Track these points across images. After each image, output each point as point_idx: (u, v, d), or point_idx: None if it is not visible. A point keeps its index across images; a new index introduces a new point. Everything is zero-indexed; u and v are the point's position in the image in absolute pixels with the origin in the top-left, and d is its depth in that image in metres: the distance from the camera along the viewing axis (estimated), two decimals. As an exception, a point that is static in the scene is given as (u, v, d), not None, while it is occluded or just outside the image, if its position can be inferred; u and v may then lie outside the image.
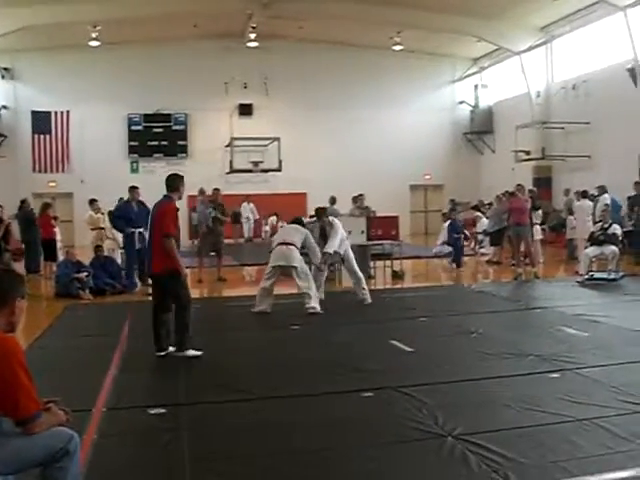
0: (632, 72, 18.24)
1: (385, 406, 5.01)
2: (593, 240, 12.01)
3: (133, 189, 12.28)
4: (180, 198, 7.11)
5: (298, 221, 9.99)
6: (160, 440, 4.36)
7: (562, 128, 21.64)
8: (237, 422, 4.74)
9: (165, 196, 6.96)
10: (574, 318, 8.30)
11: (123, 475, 3.92)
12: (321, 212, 10.19)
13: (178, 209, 7.00)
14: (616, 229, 11.89)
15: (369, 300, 9.81)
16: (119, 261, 13.15)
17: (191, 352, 6.66)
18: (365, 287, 9.98)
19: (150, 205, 7.47)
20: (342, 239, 9.75)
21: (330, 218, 9.98)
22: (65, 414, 3.12)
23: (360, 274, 9.97)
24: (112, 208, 13.60)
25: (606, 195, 15.23)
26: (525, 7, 20.56)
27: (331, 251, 9.53)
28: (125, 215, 12.04)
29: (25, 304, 3.16)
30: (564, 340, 7.14)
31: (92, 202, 14.95)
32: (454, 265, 15.09)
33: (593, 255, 11.87)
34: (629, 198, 15.41)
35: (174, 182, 7.01)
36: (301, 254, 9.44)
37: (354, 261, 9.98)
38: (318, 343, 7.41)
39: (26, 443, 2.89)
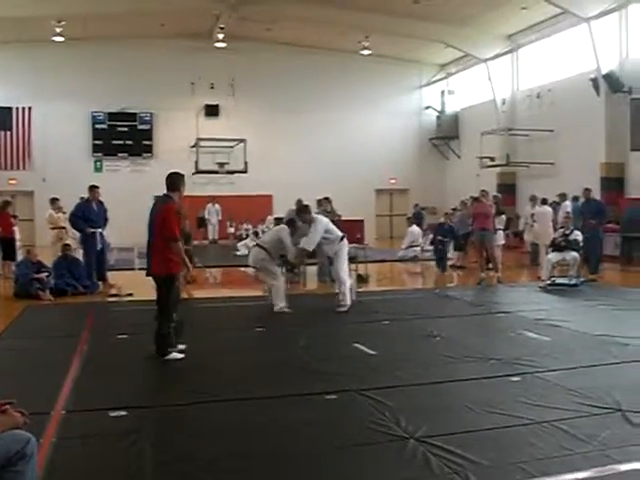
0: (595, 82, 18.65)
1: (348, 409, 5.02)
2: (555, 246, 12.22)
3: (93, 188, 12.07)
4: (180, 198, 6.92)
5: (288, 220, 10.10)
6: (121, 443, 4.30)
7: (526, 135, 22.04)
8: (200, 425, 4.70)
9: (165, 195, 6.81)
10: (535, 323, 8.43)
11: (82, 479, 3.85)
12: (302, 210, 9.91)
13: (179, 209, 6.90)
14: (577, 235, 12.11)
15: (343, 308, 9.43)
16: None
17: (174, 355, 6.61)
18: (345, 293, 9.54)
19: (107, 205, 7.24)
20: (333, 240, 9.56)
21: (314, 216, 9.73)
22: (22, 416, 3.05)
23: (343, 279, 9.58)
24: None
25: (567, 202, 15.53)
26: (493, 15, 20.90)
27: (307, 247, 9.35)
28: (85, 215, 11.82)
29: None
30: (525, 344, 7.24)
31: (53, 201, 14.73)
32: (440, 269, 15.10)
33: (555, 261, 12.07)
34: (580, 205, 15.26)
35: (176, 181, 6.84)
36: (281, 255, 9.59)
37: (342, 265, 9.66)
38: (282, 345, 7.39)
39: (-19, 446, 2.81)
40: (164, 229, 6.53)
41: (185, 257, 6.74)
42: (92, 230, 11.72)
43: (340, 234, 9.70)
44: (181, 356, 6.62)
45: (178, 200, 6.85)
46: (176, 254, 6.58)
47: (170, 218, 6.54)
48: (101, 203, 12.07)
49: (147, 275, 6.86)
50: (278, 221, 17.39)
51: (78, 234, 12.51)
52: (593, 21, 18.46)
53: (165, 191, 6.80)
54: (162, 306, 6.67)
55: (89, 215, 11.78)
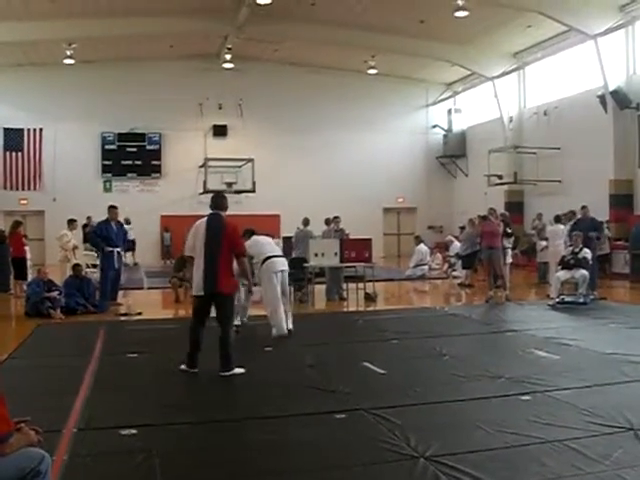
0: (602, 99, 18.70)
1: (358, 428, 5.01)
2: (564, 264, 12.20)
3: (112, 209, 12.23)
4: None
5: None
6: (132, 461, 4.31)
7: (534, 153, 22.08)
8: (209, 444, 4.71)
9: (218, 214, 6.99)
10: (545, 341, 8.40)
11: (93, 497, 3.86)
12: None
13: None
14: (586, 253, 12.08)
15: (274, 332, 8.83)
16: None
17: (238, 370, 6.70)
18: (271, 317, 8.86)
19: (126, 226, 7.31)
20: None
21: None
22: (36, 434, 3.08)
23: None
24: (88, 227, 13.53)
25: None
26: (498, 33, 21.03)
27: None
28: (104, 234, 11.97)
29: None
30: (535, 363, 7.22)
31: (71, 222, 14.70)
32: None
33: (564, 279, 12.04)
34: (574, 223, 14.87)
35: (224, 202, 7.15)
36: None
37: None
38: (291, 365, 7.39)
39: (-3, 464, 2.85)
40: (236, 246, 6.75)
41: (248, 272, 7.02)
42: (110, 249, 11.83)
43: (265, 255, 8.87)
44: (242, 371, 6.73)
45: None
46: (244, 270, 6.92)
47: (239, 235, 6.88)
48: (120, 224, 12.25)
49: (213, 294, 6.75)
50: (286, 240, 17.48)
51: (91, 253, 12.64)
52: (600, 38, 18.53)
53: (214, 210, 7.10)
54: (228, 324, 6.80)
55: (108, 234, 11.91)
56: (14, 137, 24.08)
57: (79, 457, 4.37)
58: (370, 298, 13.20)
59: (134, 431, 4.88)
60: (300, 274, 13.47)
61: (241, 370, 6.72)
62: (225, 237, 6.68)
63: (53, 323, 10.52)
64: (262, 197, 24.33)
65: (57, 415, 5.20)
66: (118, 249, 11.95)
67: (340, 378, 6.54)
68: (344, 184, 26.07)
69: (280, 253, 9.17)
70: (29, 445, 3.00)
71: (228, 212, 22.40)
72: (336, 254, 12.85)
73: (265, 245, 9.03)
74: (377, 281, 13.98)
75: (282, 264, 8.97)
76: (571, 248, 12.34)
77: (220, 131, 26.19)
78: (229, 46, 22.60)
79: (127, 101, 24.38)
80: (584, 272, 11.88)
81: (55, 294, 11.22)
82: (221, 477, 4.10)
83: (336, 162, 26.46)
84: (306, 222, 14.40)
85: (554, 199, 20.08)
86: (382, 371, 6.86)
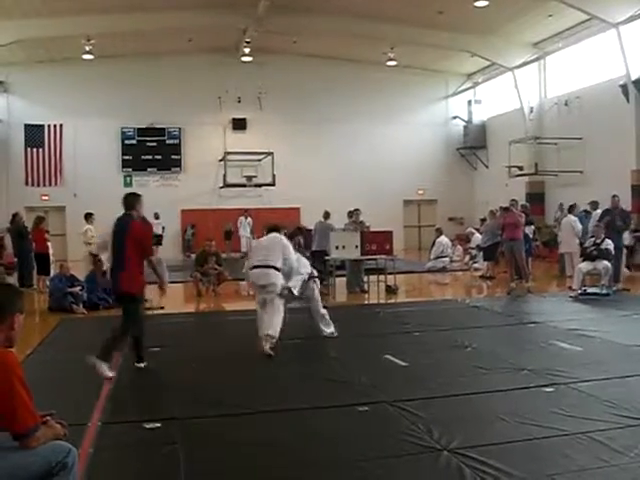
0: (624, 88, 18.42)
1: (380, 420, 5.02)
2: (586, 255, 12.07)
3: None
4: (138, 217, 6.94)
5: (276, 229, 8.17)
6: (156, 454, 4.36)
7: (555, 144, 21.84)
8: (232, 436, 4.74)
9: (128, 214, 6.78)
10: (568, 333, 8.34)
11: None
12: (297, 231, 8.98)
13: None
14: (609, 244, 11.94)
15: (328, 332, 8.39)
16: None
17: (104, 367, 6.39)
18: (329, 323, 8.45)
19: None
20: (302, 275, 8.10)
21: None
22: (62, 427, 3.13)
23: (323, 311, 8.45)
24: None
25: (599, 210, 15.29)
26: (518, 23, 20.78)
27: (293, 289, 7.87)
28: None
29: (23, 318, 3.17)
30: (558, 355, 7.17)
31: (89, 216, 14.79)
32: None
33: (586, 270, 11.92)
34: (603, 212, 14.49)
35: (134, 202, 6.87)
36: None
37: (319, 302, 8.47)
38: (313, 357, 7.41)
39: (24, 457, 2.89)
40: (141, 247, 6.59)
41: (160, 272, 6.81)
42: None
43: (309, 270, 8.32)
44: (110, 375, 6.35)
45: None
46: (155, 269, 6.74)
47: (149, 238, 6.73)
48: (144, 219, 12.28)
49: (117, 295, 6.86)
50: (307, 233, 17.49)
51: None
52: (621, 26, 18.22)
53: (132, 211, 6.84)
54: (130, 323, 6.63)
55: None
56: (35, 133, 24.28)
57: (104, 450, 4.43)
58: (391, 290, 13.19)
59: (158, 424, 4.93)
60: (321, 267, 13.51)
61: (108, 372, 6.36)
62: (129, 238, 6.55)
63: (76, 318, 10.64)
64: (282, 190, 24.35)
65: (82, 409, 5.27)
66: None
67: (362, 371, 6.55)
68: (364, 176, 26.00)
69: (270, 262, 7.66)
70: (55, 438, 3.04)
71: (252, 206, 22.38)
72: (357, 247, 12.85)
73: (259, 250, 7.97)
74: (398, 273, 13.95)
75: (263, 277, 7.67)
76: (593, 239, 12.21)
77: (239, 124, 26.21)
78: (248, 39, 22.58)
79: (146, 96, 24.48)
80: (607, 263, 11.76)
81: (77, 289, 11.33)
82: (245, 469, 4.13)
83: (356, 154, 26.36)
84: (326, 215, 14.40)
85: (575, 190, 19.88)
86: (404, 363, 6.86)
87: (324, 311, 8.41)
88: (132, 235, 6.56)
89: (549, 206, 22.36)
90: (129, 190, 23.56)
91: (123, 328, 6.63)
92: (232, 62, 24.63)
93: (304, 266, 8.20)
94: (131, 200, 6.84)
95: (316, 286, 8.43)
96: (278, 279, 7.62)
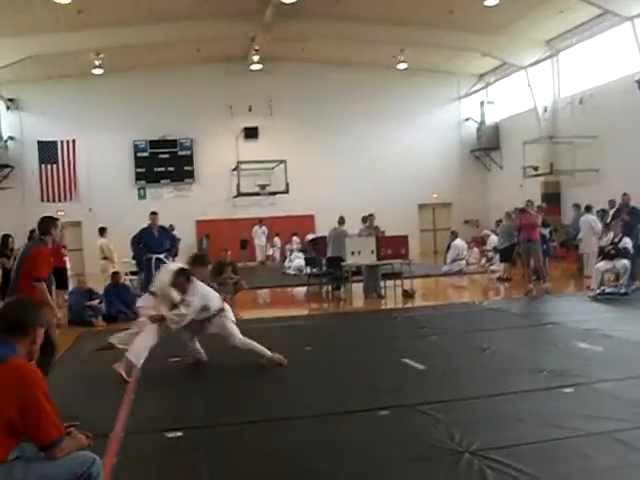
0: (640, 84, 18.21)
1: (401, 424, 5.03)
2: (604, 254, 11.98)
3: (152, 215, 12.43)
4: (54, 242, 6.72)
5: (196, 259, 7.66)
6: (179, 463, 4.40)
7: (570, 143, 21.69)
8: (254, 444, 4.76)
9: (41, 239, 6.55)
10: (587, 333, 8.28)
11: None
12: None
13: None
14: (627, 243, 11.85)
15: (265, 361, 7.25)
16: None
17: None
18: (265, 354, 7.25)
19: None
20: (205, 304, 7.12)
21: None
22: (87, 438, 3.17)
23: (247, 342, 7.25)
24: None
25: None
26: (530, 20, 20.58)
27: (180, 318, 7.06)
28: (144, 241, 12.18)
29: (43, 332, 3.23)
30: (577, 355, 7.14)
31: (103, 230, 15.00)
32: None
33: (604, 269, 11.83)
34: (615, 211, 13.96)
35: (46, 226, 6.55)
36: None
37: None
38: (331, 364, 7.42)
39: (49, 468, 2.94)
40: (30, 271, 6.19)
41: (51, 300, 6.31)
42: (149, 256, 12.02)
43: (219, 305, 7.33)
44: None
45: (53, 243, 6.63)
46: (40, 295, 6.08)
47: (41, 260, 6.26)
48: (164, 229, 12.40)
49: None
50: (313, 242, 17.50)
51: (129, 261, 12.84)
52: (637, 19, 17.94)
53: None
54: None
55: (147, 241, 12.12)
56: (48, 149, 24.50)
57: (128, 460, 4.47)
58: (408, 295, 13.18)
59: (180, 433, 4.97)
60: (337, 273, 13.55)
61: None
62: (24, 263, 6.36)
63: (96, 331, 10.73)
64: (296, 198, 24.40)
65: (104, 420, 5.31)
66: (159, 255, 12.07)
67: (381, 375, 6.57)
68: (378, 181, 25.98)
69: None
70: (80, 449, 3.09)
71: (266, 214, 22.38)
72: (372, 252, 12.86)
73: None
74: (414, 278, 13.93)
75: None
76: (610, 238, 12.12)
77: (251, 133, 26.31)
78: (256, 47, 22.70)
79: (157, 108, 24.68)
80: (625, 262, 11.66)
81: (96, 302, 11.44)
82: (268, 477, 4.15)
83: (369, 159, 26.34)
84: (341, 221, 14.42)
85: (591, 189, 19.72)
86: (423, 367, 6.85)
87: (248, 342, 7.19)
88: (26, 260, 6.35)
89: (565, 206, 22.18)
90: (143, 203, 23.98)
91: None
92: (242, 71, 24.78)
93: (210, 300, 7.23)
94: (46, 224, 6.56)
95: (226, 320, 7.24)
96: (144, 302, 7.57)
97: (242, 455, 4.55)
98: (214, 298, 7.33)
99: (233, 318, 7.38)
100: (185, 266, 7.42)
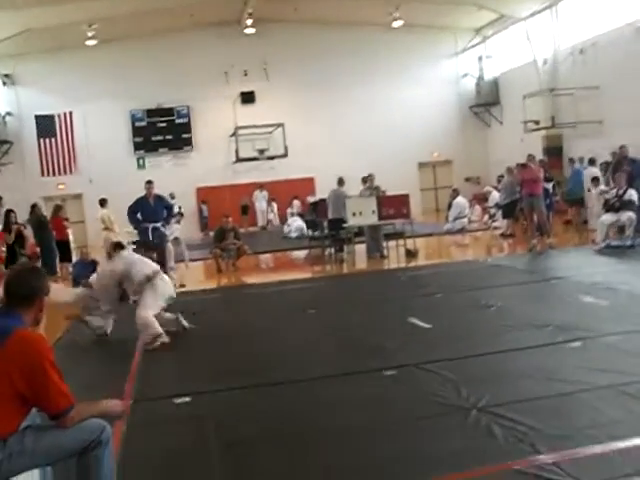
0: (642, 31, 17.83)
1: (408, 383, 5.03)
2: (609, 207, 11.88)
3: (146, 184, 12.33)
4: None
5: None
6: (188, 429, 4.43)
7: (571, 94, 21.35)
8: (261, 407, 4.78)
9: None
10: (592, 287, 8.24)
11: (155, 464, 3.98)
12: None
13: None
14: (632, 195, 11.74)
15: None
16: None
17: None
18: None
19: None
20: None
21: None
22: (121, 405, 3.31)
23: (144, 322, 6.90)
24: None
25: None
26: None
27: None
28: (138, 210, 12.11)
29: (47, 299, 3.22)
30: (583, 309, 7.12)
31: (104, 202, 14.97)
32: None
33: (609, 222, 11.75)
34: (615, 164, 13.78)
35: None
36: None
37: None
38: (336, 325, 7.43)
39: (60, 436, 2.97)
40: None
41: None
42: (146, 225, 11.97)
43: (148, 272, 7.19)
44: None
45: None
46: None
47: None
48: (160, 198, 12.32)
49: None
50: (314, 206, 17.45)
51: (132, 230, 12.81)
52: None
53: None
54: None
55: (143, 210, 12.05)
56: (46, 123, 24.31)
57: (137, 427, 4.49)
58: (411, 254, 13.16)
59: (187, 399, 4.99)
60: (339, 234, 13.53)
61: None
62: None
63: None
64: (295, 161, 24.19)
65: (112, 389, 5.32)
66: (155, 224, 12.01)
67: (387, 335, 6.56)
68: (377, 141, 25.75)
69: None
70: (97, 415, 3.10)
71: (265, 178, 22.24)
72: (374, 212, 12.81)
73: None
74: (417, 237, 13.90)
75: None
76: (615, 190, 12.02)
77: (248, 98, 26.03)
78: (250, 10, 22.31)
79: (152, 76, 24.40)
80: (631, 214, 11.57)
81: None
82: (276, 439, 4.16)
83: (367, 119, 26.08)
84: (340, 182, 14.29)
85: (595, 141, 19.47)
86: (428, 326, 6.85)
87: (146, 321, 6.85)
88: None
89: (568, 160, 22.00)
90: (143, 172, 23.83)
91: None
92: (236, 35, 24.42)
93: (134, 266, 7.28)
94: None
95: (149, 290, 7.06)
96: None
97: (249, 418, 4.57)
98: (143, 266, 7.27)
99: (165, 291, 7.17)
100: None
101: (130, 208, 12.21)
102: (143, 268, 7.20)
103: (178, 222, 16.63)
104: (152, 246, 11.85)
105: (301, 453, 3.94)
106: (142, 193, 12.32)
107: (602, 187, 13.55)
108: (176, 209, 22.13)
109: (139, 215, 12.07)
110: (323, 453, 3.91)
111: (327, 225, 13.88)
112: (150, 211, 12.00)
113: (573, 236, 15.00)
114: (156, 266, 7.43)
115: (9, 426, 2.90)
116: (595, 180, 14.01)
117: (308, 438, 4.15)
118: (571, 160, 16.47)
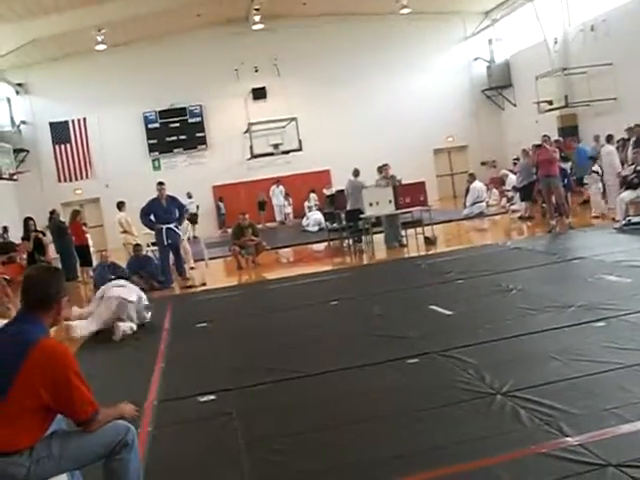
0: (655, 3, 17.55)
1: (431, 371, 5.01)
2: (628, 184, 11.72)
3: (158, 185, 12.38)
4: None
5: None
6: (214, 426, 4.44)
7: (584, 73, 21.09)
8: (287, 400, 4.79)
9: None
10: (614, 265, 8.14)
11: (183, 463, 3.98)
12: None
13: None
14: (650, 170, 11.57)
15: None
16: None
17: None
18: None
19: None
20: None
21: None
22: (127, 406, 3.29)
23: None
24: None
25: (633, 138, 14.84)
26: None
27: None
28: (152, 212, 12.16)
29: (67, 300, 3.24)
30: (606, 288, 7.03)
31: (121, 204, 15.06)
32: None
33: (629, 199, 11.59)
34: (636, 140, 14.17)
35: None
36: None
37: None
38: (358, 315, 7.42)
39: (86, 440, 2.98)
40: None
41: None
42: (160, 226, 12.03)
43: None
44: None
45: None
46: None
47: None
48: (173, 199, 12.37)
49: None
50: (331, 198, 17.46)
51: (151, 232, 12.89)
52: None
53: None
54: None
55: (156, 211, 12.09)
56: (60, 130, 24.56)
57: (163, 427, 4.53)
58: (430, 242, 13.10)
59: (212, 397, 5.02)
60: (357, 225, 13.51)
61: None
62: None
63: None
64: (310, 154, 24.20)
65: (137, 390, 5.38)
66: (169, 225, 12.06)
67: (408, 323, 6.55)
68: (391, 130, 25.62)
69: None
70: (118, 418, 3.13)
71: (281, 173, 22.35)
72: (391, 201, 12.76)
73: None
74: (435, 224, 13.83)
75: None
76: (633, 167, 11.85)
77: (259, 94, 26.03)
78: (257, 7, 22.28)
79: (163, 77, 24.48)
80: (650, 190, 11.41)
81: (120, 275, 11.50)
82: (302, 431, 4.16)
83: (380, 109, 25.96)
84: (356, 173, 14.28)
85: (610, 118, 19.21)
86: (450, 312, 6.82)
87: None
88: None
89: (584, 138, 21.73)
90: (158, 173, 23.97)
91: None
92: (244, 32, 24.38)
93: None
94: None
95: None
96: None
97: (276, 412, 4.58)
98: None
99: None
100: None
101: (143, 210, 12.28)
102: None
103: (193, 222, 16.74)
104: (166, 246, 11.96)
105: (327, 445, 3.93)
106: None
107: (596, 167, 13.55)
108: (194, 208, 22.37)
109: (152, 217, 12.13)
110: (349, 443, 3.90)
111: (345, 216, 13.87)
112: (163, 212, 12.05)
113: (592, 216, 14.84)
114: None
115: (36, 435, 2.91)
116: (592, 159, 13.86)
117: (333, 430, 4.13)
118: (596, 138, 16.23)
